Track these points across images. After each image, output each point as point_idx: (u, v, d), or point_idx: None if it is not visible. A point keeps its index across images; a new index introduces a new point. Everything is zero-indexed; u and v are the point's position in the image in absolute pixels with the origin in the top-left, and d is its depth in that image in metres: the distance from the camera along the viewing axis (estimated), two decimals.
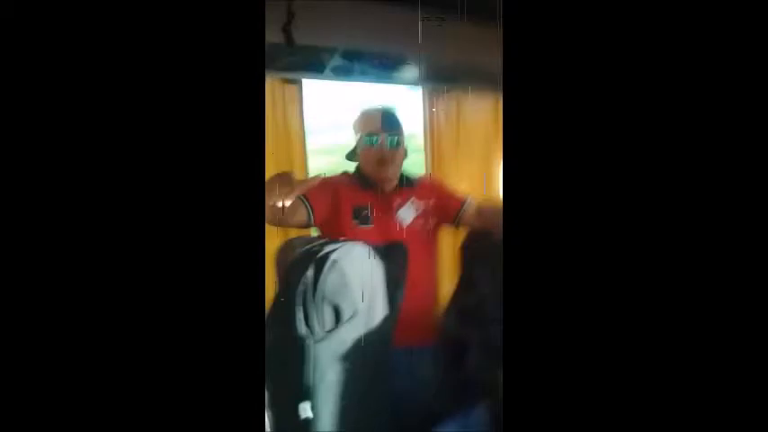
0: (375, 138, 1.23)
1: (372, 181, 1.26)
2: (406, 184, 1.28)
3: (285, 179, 1.09)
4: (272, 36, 1.19)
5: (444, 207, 1.31)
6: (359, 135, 1.26)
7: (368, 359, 0.72)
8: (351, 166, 1.34)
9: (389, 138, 1.23)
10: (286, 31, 1.08)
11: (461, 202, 1.31)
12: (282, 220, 1.17)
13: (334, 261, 0.75)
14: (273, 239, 1.36)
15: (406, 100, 1.89)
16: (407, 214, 1.25)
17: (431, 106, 1.86)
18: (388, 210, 1.25)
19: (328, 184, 1.25)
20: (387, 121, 1.24)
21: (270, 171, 1.53)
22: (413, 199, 1.27)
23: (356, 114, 1.30)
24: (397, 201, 1.26)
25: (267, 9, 1.11)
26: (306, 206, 1.20)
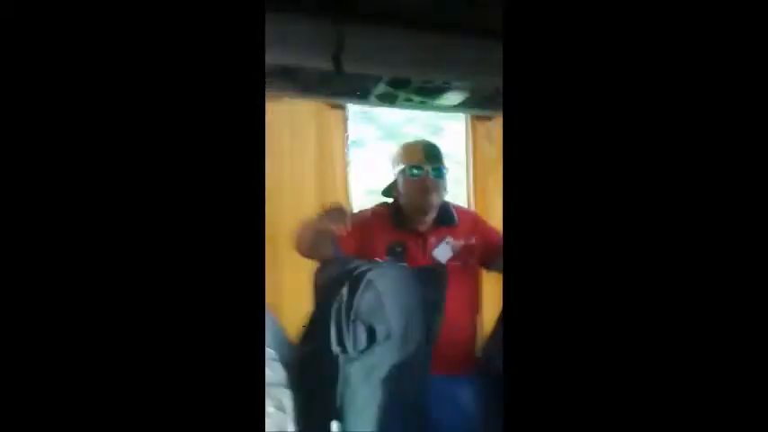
0: (418, 169, 1.21)
1: (411, 216, 1.23)
2: (445, 221, 1.25)
3: (337, 213, 1.08)
4: (321, 62, 1.24)
5: (484, 247, 1.26)
6: (400, 167, 1.25)
7: (402, 383, 0.70)
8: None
9: (433, 169, 1.22)
10: (336, 58, 1.11)
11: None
12: (310, 251, 1.15)
13: (370, 281, 0.74)
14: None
15: (448, 129, 1.88)
16: (442, 254, 1.21)
17: (474, 134, 1.84)
18: (423, 248, 1.21)
19: (358, 219, 1.23)
20: (429, 153, 1.24)
21: (311, 194, 1.55)
22: (448, 238, 1.23)
23: (395, 148, 1.30)
24: (432, 240, 1.22)
25: (317, 35, 1.16)
26: (331, 240, 1.17)
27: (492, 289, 1.71)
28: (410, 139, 1.32)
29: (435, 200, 1.22)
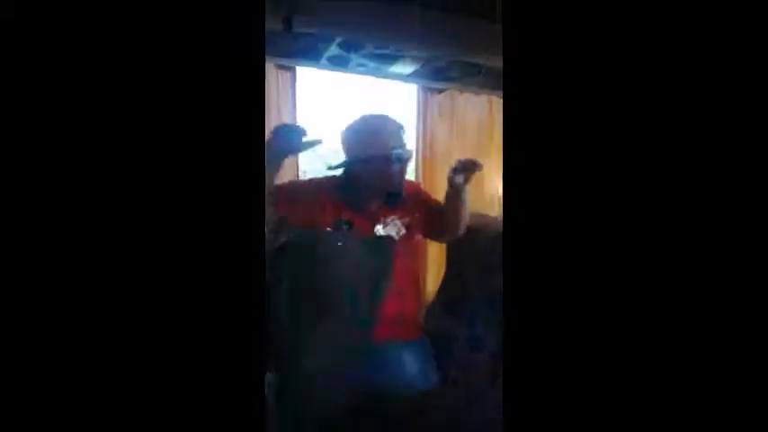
0: (404, 153, 1.15)
1: (367, 196, 1.17)
2: (393, 201, 1.19)
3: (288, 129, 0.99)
4: (270, 22, 1.17)
5: (426, 218, 1.23)
6: (378, 147, 1.13)
7: (349, 351, 0.71)
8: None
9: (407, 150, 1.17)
10: (286, 17, 1.05)
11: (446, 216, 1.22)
12: None
13: (320, 252, 0.74)
14: None
15: (398, 97, 1.86)
16: (388, 233, 1.21)
17: (425, 105, 1.85)
18: (371, 229, 1.15)
19: (304, 187, 1.19)
20: (402, 135, 1.17)
21: None
22: (396, 221, 1.18)
23: (362, 127, 1.17)
24: (381, 221, 1.17)
25: None
26: (271, 206, 1.09)
27: (434, 258, 1.77)
28: (373, 114, 1.20)
29: (400, 183, 1.18)
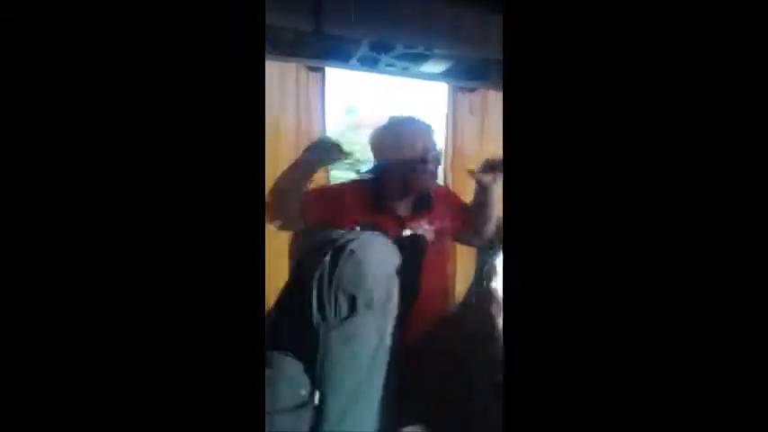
0: (434, 155, 1.15)
1: (394, 199, 1.17)
2: (422, 206, 1.19)
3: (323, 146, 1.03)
4: (301, 23, 1.18)
5: (455, 222, 1.23)
6: (403, 150, 1.13)
7: (382, 351, 0.71)
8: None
9: (435, 153, 1.16)
10: (315, 19, 1.06)
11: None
12: (277, 215, 1.11)
13: (352, 251, 0.74)
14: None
15: (428, 96, 1.84)
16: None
17: (455, 104, 1.82)
18: (399, 234, 1.15)
19: (330, 192, 1.19)
20: (432, 136, 1.17)
21: (289, 160, 1.53)
22: (425, 225, 1.18)
23: (391, 130, 1.17)
24: (410, 227, 1.17)
25: None
26: (298, 210, 1.13)
27: (464, 262, 1.75)
28: (401, 115, 1.19)
29: (432, 185, 1.18)
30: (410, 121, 1.17)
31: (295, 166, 1.09)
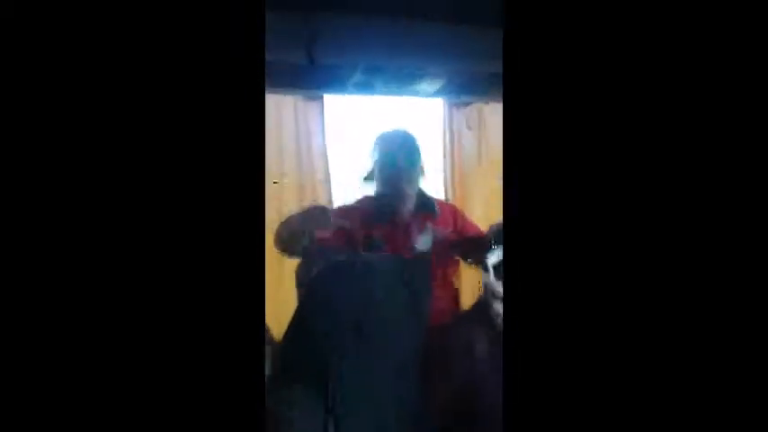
0: (392, 158, 1.26)
1: (390, 206, 1.24)
2: (423, 208, 1.26)
3: (319, 213, 1.10)
4: (294, 56, 1.21)
5: (462, 240, 1.27)
6: (375, 157, 1.27)
7: (396, 375, 0.70)
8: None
9: (407, 158, 1.27)
10: (308, 49, 1.09)
11: (483, 237, 1.21)
12: (286, 248, 1.15)
13: (358, 274, 0.74)
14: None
15: (425, 114, 1.86)
16: (424, 242, 1.20)
17: (451, 121, 1.84)
18: (404, 236, 1.21)
19: (339, 215, 1.22)
20: (403, 142, 1.28)
21: (292, 189, 1.55)
22: (429, 225, 1.23)
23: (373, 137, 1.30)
24: (413, 227, 1.22)
25: (288, 28, 1.13)
26: (309, 239, 1.16)
27: (469, 276, 1.73)
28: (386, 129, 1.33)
29: (409, 189, 1.25)
30: (384, 131, 1.29)
31: (292, 224, 1.14)
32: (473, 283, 1.61)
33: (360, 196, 1.34)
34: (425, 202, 1.27)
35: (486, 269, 1.00)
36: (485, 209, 1.68)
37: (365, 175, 1.32)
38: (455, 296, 1.31)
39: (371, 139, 1.31)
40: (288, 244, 1.14)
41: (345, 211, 1.27)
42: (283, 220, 1.17)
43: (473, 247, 1.20)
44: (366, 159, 1.32)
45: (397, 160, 1.24)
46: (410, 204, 1.25)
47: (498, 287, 0.88)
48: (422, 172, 1.30)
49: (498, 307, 0.87)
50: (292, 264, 1.29)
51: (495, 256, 1.04)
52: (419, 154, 1.28)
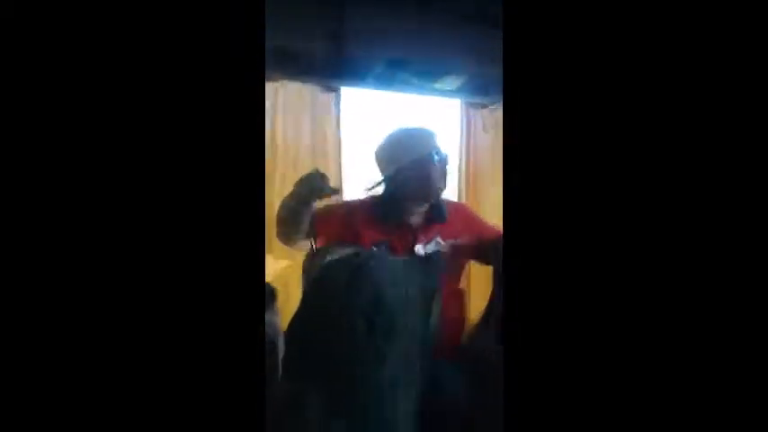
0: (440, 154, 1.15)
1: (406, 207, 1.16)
2: (435, 218, 1.17)
3: (316, 177, 1.02)
4: (319, 44, 1.20)
5: (474, 242, 1.20)
6: (408, 154, 1.14)
7: (408, 372, 0.69)
8: None
9: (441, 155, 1.16)
10: (336, 39, 1.07)
11: (496, 238, 1.17)
12: (286, 234, 1.12)
13: (367, 271, 0.73)
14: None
15: (442, 114, 1.84)
16: (430, 250, 1.14)
17: (468, 120, 1.82)
18: (411, 244, 1.14)
19: (340, 210, 1.18)
20: (435, 139, 1.18)
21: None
22: (438, 239, 1.16)
23: (391, 140, 1.18)
24: (422, 237, 1.15)
25: (317, 19, 1.12)
26: (308, 228, 1.13)
27: (479, 280, 1.72)
28: (399, 127, 1.21)
29: (443, 187, 1.18)
30: (407, 129, 1.18)
31: (291, 197, 1.10)
32: (482, 284, 1.61)
33: (367, 194, 1.28)
34: (438, 211, 1.18)
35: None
36: (499, 212, 1.66)
37: (373, 183, 1.22)
38: (463, 298, 1.29)
39: (380, 141, 1.20)
40: (289, 226, 1.09)
41: (349, 206, 1.23)
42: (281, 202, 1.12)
43: (487, 249, 1.18)
44: (381, 156, 1.19)
45: (439, 158, 1.14)
46: (425, 208, 1.17)
47: None
48: (444, 185, 1.19)
49: None
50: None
51: None
52: (446, 161, 1.18)
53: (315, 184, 1.03)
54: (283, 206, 1.11)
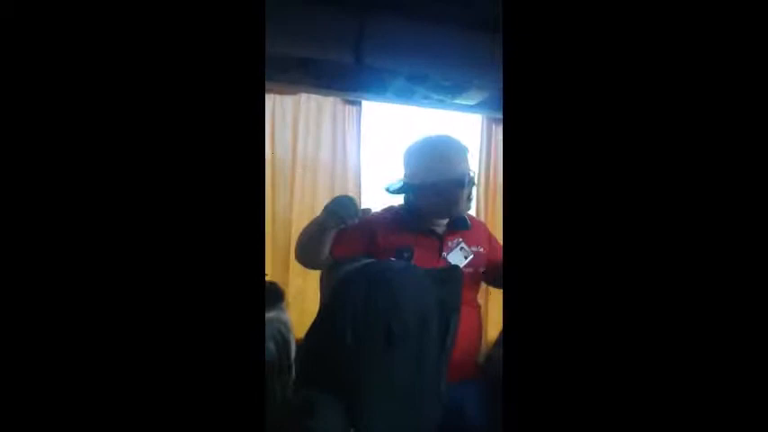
0: (470, 177, 1.13)
1: (429, 219, 1.14)
2: (458, 225, 1.15)
3: (347, 201, 1.03)
4: (341, 55, 1.21)
5: (490, 261, 1.18)
6: (439, 169, 1.11)
7: (420, 386, 0.67)
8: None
9: (472, 173, 1.15)
10: (356, 49, 1.09)
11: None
12: (305, 257, 1.11)
13: (386, 280, 0.72)
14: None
15: (462, 127, 1.84)
16: (456, 258, 1.13)
17: (489, 135, 1.82)
18: (437, 250, 1.13)
19: (362, 223, 1.15)
20: (467, 156, 1.16)
21: (324, 191, 1.51)
22: (462, 243, 1.15)
23: (427, 150, 1.15)
24: (448, 242, 1.13)
25: (339, 27, 1.14)
26: (328, 249, 1.11)
27: (497, 295, 1.69)
28: (437, 135, 1.18)
29: (468, 208, 1.17)
30: (446, 141, 1.14)
31: (315, 224, 1.08)
32: (499, 300, 1.57)
33: (386, 204, 1.26)
34: (460, 218, 1.16)
35: None
36: None
37: (396, 186, 1.18)
38: (479, 313, 1.26)
39: (413, 143, 1.17)
40: (311, 254, 1.08)
41: (371, 219, 1.21)
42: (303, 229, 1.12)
43: (499, 270, 1.15)
44: (413, 160, 1.15)
45: (471, 176, 1.12)
46: (445, 222, 1.15)
47: None
48: (469, 207, 1.18)
49: None
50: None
51: None
52: (473, 182, 1.16)
53: (343, 214, 1.01)
54: (306, 233, 1.10)
